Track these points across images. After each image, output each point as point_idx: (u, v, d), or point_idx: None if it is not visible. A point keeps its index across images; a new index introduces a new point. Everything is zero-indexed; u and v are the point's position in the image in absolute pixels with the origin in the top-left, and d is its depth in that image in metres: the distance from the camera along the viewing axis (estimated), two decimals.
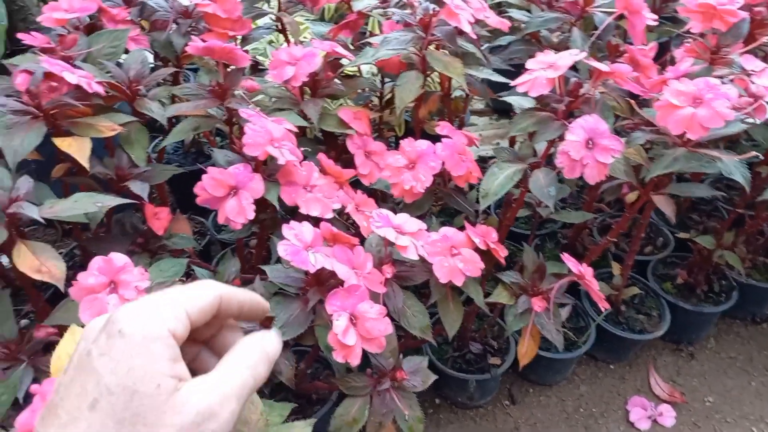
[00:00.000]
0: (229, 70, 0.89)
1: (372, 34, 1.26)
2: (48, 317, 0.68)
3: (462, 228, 0.79)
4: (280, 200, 0.78)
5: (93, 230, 0.86)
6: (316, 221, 0.74)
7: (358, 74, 1.20)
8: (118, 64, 0.92)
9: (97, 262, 0.64)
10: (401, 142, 0.87)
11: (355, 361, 0.62)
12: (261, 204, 0.76)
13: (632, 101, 0.79)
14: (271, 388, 0.85)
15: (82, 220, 0.78)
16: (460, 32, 0.86)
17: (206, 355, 0.35)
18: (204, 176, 0.74)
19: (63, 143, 0.76)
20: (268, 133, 0.76)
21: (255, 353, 0.31)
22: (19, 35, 0.89)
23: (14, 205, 0.67)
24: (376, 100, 1.18)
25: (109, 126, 0.81)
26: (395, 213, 0.74)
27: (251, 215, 0.75)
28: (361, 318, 0.63)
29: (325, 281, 0.68)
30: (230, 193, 0.75)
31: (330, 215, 0.80)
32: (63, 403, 0.27)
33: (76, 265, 1.06)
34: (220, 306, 0.32)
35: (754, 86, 0.75)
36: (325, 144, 1.05)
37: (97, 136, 0.80)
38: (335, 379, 0.78)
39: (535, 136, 0.76)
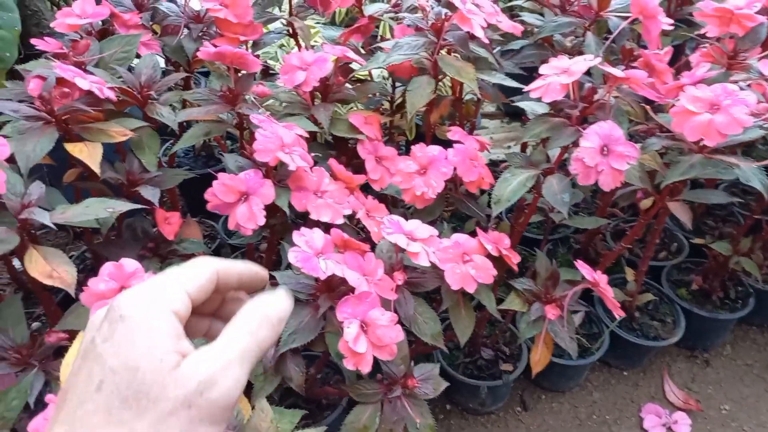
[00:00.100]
0: (240, 75, 0.89)
1: (383, 39, 1.25)
2: (59, 322, 0.68)
3: (473, 234, 0.78)
4: (290, 206, 0.78)
5: (104, 235, 0.86)
6: (326, 227, 0.73)
7: (368, 79, 1.20)
8: (130, 69, 0.92)
9: (107, 267, 0.64)
10: (412, 147, 0.86)
11: (366, 368, 0.62)
12: (271, 209, 0.76)
13: (647, 107, 0.77)
14: (281, 393, 0.85)
15: (93, 225, 0.78)
16: (473, 37, 0.85)
17: (219, 326, 0.35)
18: (214, 182, 0.74)
19: (74, 149, 0.76)
20: (279, 138, 0.76)
21: (255, 318, 0.31)
22: (33, 41, 0.90)
23: (26, 211, 0.67)
24: (386, 105, 1.18)
25: (120, 131, 0.81)
26: (406, 219, 0.74)
27: (262, 221, 0.74)
28: (372, 325, 0.63)
29: (335, 288, 0.68)
30: (241, 199, 0.75)
31: (340, 221, 0.79)
32: (72, 390, 0.28)
33: (87, 268, 1.07)
34: (218, 280, 0.33)
35: None
36: (336, 149, 1.04)
37: (109, 141, 0.80)
38: (345, 385, 0.77)
39: (548, 142, 0.75)
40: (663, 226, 1.03)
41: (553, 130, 0.75)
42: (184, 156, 1.44)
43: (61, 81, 0.81)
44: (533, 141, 0.91)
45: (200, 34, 1.02)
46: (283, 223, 0.86)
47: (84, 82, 0.78)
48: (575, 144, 0.71)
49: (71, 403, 0.27)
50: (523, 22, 0.99)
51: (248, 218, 0.74)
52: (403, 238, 0.69)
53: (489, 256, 0.76)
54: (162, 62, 1.08)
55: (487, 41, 0.87)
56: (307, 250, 0.64)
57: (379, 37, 1.36)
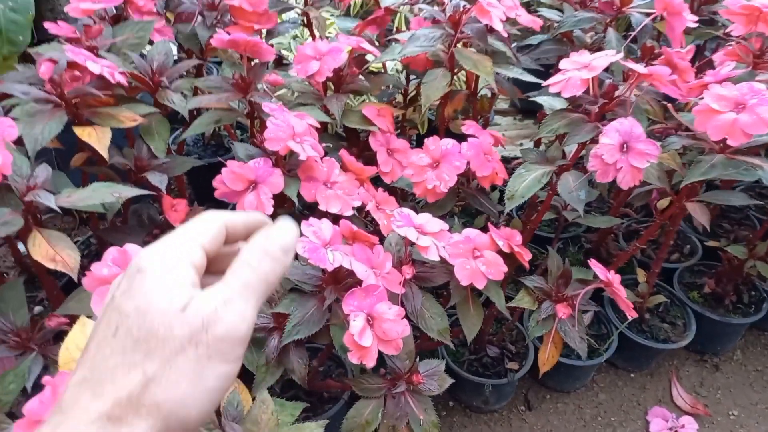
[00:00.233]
0: (253, 63, 0.88)
1: (398, 31, 1.24)
2: (60, 307, 0.68)
3: (483, 230, 0.77)
4: (299, 196, 0.77)
5: (110, 220, 0.86)
6: (335, 218, 0.72)
7: (382, 71, 1.18)
8: (142, 56, 0.91)
9: (111, 252, 0.63)
10: (426, 140, 0.85)
11: (370, 363, 0.61)
12: (280, 199, 0.75)
13: (669, 105, 0.75)
14: (282, 384, 0.84)
15: (99, 210, 0.77)
16: (491, 30, 0.83)
17: None
18: (223, 169, 0.73)
19: (83, 132, 0.75)
20: (290, 127, 0.75)
21: (255, 252, 0.31)
22: (45, 24, 0.89)
23: (31, 193, 0.66)
24: (399, 98, 1.17)
25: (130, 116, 0.81)
26: (416, 212, 0.73)
27: (269, 210, 0.73)
28: (379, 319, 0.62)
29: (342, 280, 0.67)
30: (249, 188, 0.74)
31: (350, 213, 0.78)
32: (92, 338, 0.29)
33: (92, 253, 1.06)
34: (227, 231, 0.33)
35: None
36: (347, 140, 1.03)
37: (118, 127, 0.80)
38: (349, 379, 0.76)
39: (566, 138, 0.74)
40: (678, 227, 1.01)
41: (571, 126, 0.73)
42: (193, 145, 1.43)
43: (72, 65, 0.80)
44: (548, 137, 0.89)
45: (214, 22, 1.01)
46: (291, 213, 0.85)
47: (95, 66, 0.77)
48: (593, 140, 0.70)
49: (91, 350, 0.28)
50: (541, 18, 0.97)
51: (256, 207, 0.73)
52: (413, 231, 0.68)
53: (500, 252, 0.75)
54: (175, 50, 1.07)
55: (506, 34, 0.85)
56: (315, 240, 0.63)
57: (394, 29, 1.35)
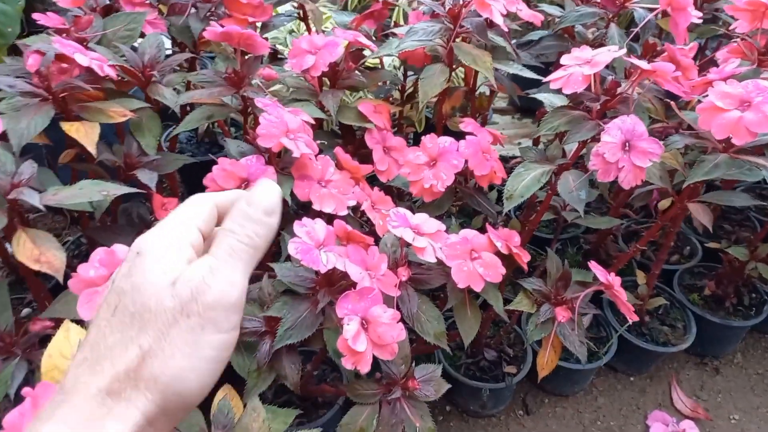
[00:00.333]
0: (246, 57, 0.86)
1: (396, 25, 1.22)
2: (46, 309, 0.65)
3: (481, 230, 0.75)
4: (292, 195, 0.74)
5: (99, 219, 0.83)
6: (329, 218, 0.70)
7: (379, 67, 1.16)
8: (134, 49, 0.89)
9: (98, 253, 0.61)
10: (423, 138, 0.83)
11: (365, 368, 0.59)
12: None
13: (672, 102, 0.74)
14: (275, 390, 0.82)
15: (86, 209, 0.75)
16: (491, 24, 0.81)
17: None
18: (214, 167, 0.71)
19: (70, 128, 0.73)
20: (284, 124, 0.73)
21: (236, 218, 0.32)
22: (34, 15, 0.87)
23: (15, 191, 0.64)
24: (396, 94, 1.15)
25: (119, 111, 0.78)
26: (413, 212, 0.71)
27: None
28: (374, 323, 0.60)
29: (336, 282, 0.65)
30: (241, 186, 0.72)
31: (344, 212, 0.77)
32: (93, 323, 0.30)
33: (83, 253, 1.04)
34: (218, 211, 0.34)
35: None
36: (343, 138, 1.01)
37: (107, 122, 0.77)
38: (343, 385, 0.74)
39: (566, 136, 0.72)
40: (679, 228, 0.99)
41: (571, 124, 0.71)
42: (186, 142, 1.41)
43: (60, 57, 0.78)
44: (545, 136, 0.87)
45: (208, 14, 0.99)
46: (284, 212, 0.82)
47: (84, 58, 0.75)
48: (594, 139, 0.68)
49: (92, 333, 0.29)
50: (542, 13, 0.95)
51: None
52: (409, 232, 0.66)
53: (498, 253, 0.73)
54: (168, 43, 1.05)
55: (506, 29, 0.84)
56: (308, 241, 0.61)
57: (392, 24, 1.32)
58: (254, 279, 0.78)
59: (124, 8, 0.95)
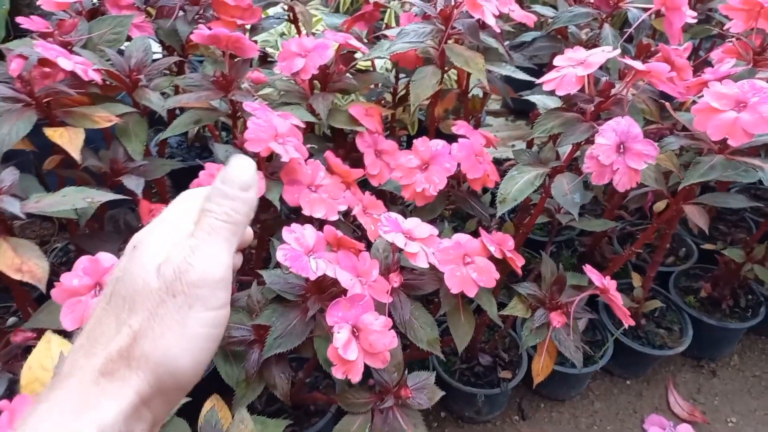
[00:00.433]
0: (235, 60, 0.84)
1: (388, 27, 1.20)
2: (30, 319, 0.64)
3: (474, 234, 0.73)
4: (282, 200, 0.73)
5: (86, 226, 0.82)
6: (320, 223, 0.69)
7: (371, 69, 1.15)
8: (120, 52, 0.88)
9: (82, 262, 0.59)
10: (414, 141, 0.82)
11: (356, 377, 0.57)
12: (262, 203, 0.72)
13: (667, 103, 0.73)
14: (267, 398, 0.80)
15: (70, 216, 0.73)
16: (483, 25, 0.80)
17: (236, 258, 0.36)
18: (201, 173, 0.70)
19: (54, 134, 0.71)
20: (273, 128, 0.71)
21: (213, 197, 0.32)
22: (18, 19, 0.86)
23: None
24: (388, 97, 1.13)
25: (105, 116, 0.77)
26: (405, 216, 0.69)
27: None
28: (365, 330, 0.58)
29: (326, 289, 0.63)
30: None
31: (335, 217, 0.75)
32: (93, 312, 0.31)
33: (71, 260, 1.02)
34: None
35: None
36: (334, 141, 1.00)
37: (93, 127, 0.76)
38: (335, 393, 0.72)
39: (560, 138, 0.70)
40: (674, 230, 0.98)
41: (565, 126, 0.70)
42: (177, 147, 1.40)
43: (44, 61, 0.76)
44: (539, 138, 0.86)
45: (196, 17, 0.98)
46: (275, 218, 0.81)
47: (67, 62, 0.74)
48: (589, 141, 0.67)
49: (90, 322, 0.30)
50: (535, 14, 0.95)
51: None
52: (401, 237, 0.65)
53: (492, 258, 0.72)
54: (156, 46, 1.03)
55: (498, 30, 0.82)
56: (297, 248, 0.60)
57: (384, 26, 1.31)
58: (243, 286, 0.76)
59: (110, 11, 0.93)
